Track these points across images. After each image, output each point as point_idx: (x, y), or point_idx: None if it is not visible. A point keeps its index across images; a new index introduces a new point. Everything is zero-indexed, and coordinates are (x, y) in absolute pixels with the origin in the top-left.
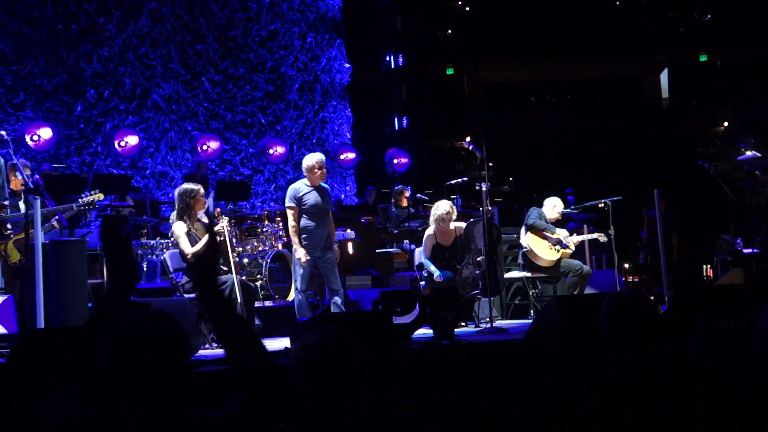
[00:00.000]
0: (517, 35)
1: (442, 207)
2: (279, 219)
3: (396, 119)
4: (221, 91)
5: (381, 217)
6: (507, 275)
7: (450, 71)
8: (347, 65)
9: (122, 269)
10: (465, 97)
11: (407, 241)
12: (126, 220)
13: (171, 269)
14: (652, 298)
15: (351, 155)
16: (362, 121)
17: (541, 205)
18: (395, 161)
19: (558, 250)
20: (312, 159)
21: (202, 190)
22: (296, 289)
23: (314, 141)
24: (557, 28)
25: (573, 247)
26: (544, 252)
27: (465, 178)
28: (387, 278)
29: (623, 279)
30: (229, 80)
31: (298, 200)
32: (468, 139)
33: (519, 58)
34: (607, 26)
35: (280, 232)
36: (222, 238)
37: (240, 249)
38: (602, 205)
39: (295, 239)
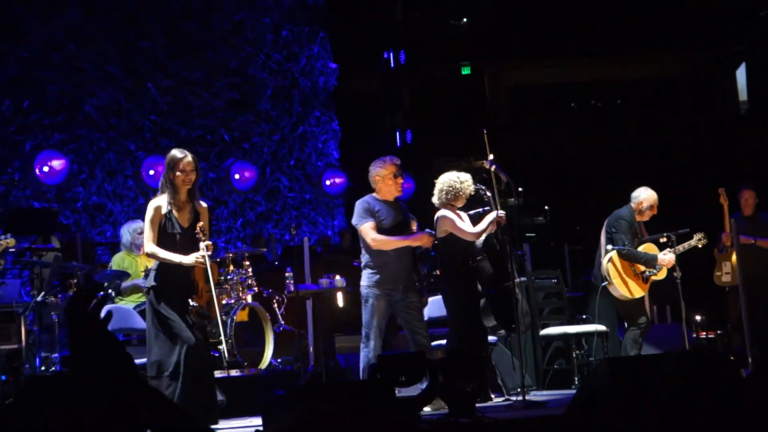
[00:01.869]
0: (551, 26)
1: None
2: (248, 263)
3: (397, 133)
4: (172, 101)
5: None
6: (544, 332)
7: (466, 71)
8: (333, 65)
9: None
10: (485, 105)
11: None
12: (98, 293)
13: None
14: (732, 358)
15: (339, 180)
16: (353, 137)
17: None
18: None
19: (647, 279)
20: (383, 165)
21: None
22: (365, 343)
23: (292, 162)
24: (603, 16)
25: (664, 271)
26: (631, 285)
27: (486, 208)
28: (388, 339)
29: (693, 335)
30: (183, 86)
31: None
32: (490, 157)
33: (554, 55)
34: (666, 13)
35: (250, 281)
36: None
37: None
38: (698, 240)
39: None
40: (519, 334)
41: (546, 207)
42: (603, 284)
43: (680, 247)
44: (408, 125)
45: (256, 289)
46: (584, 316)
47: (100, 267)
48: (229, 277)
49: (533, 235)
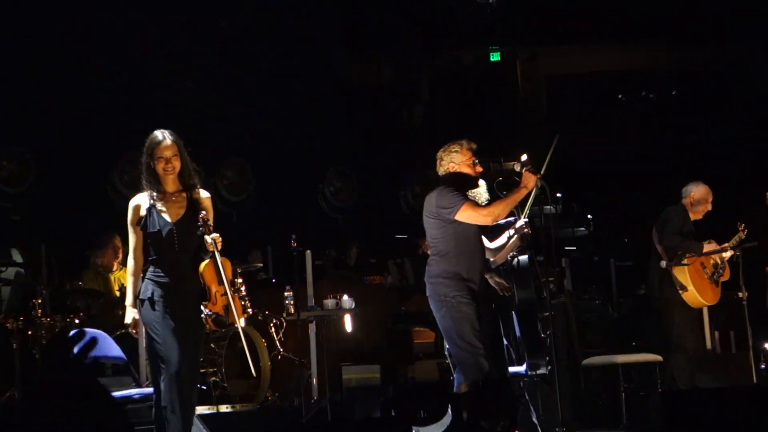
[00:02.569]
0: (596, 4)
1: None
2: (240, 281)
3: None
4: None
5: (394, 274)
6: (586, 361)
7: (495, 57)
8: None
9: None
10: (518, 96)
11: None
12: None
13: None
14: None
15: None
16: (362, 134)
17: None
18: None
19: (718, 281)
20: (460, 149)
21: None
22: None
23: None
24: None
25: (727, 271)
26: (705, 291)
27: (510, 219)
28: (404, 369)
29: (762, 365)
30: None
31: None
32: (524, 157)
33: (600, 38)
34: None
35: (243, 302)
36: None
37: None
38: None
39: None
40: (555, 367)
41: (589, 216)
42: (681, 292)
43: (731, 243)
44: (426, 121)
45: (250, 311)
46: (633, 343)
47: (70, 285)
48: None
49: (574, 248)
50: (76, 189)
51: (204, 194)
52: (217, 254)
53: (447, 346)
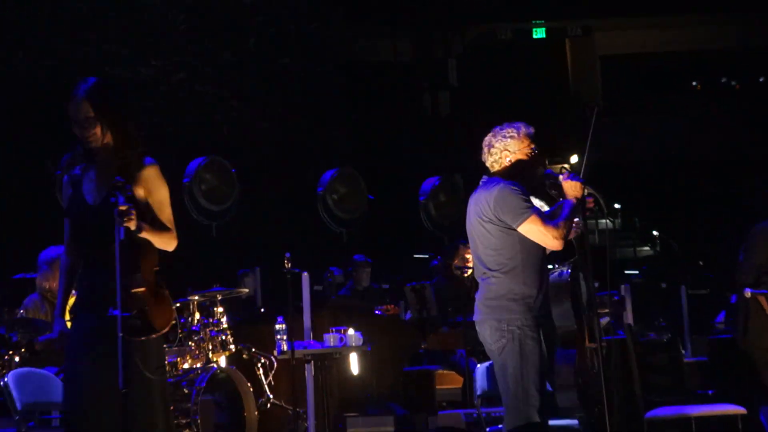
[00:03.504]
0: None
1: None
2: (221, 311)
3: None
4: None
5: (412, 303)
6: (652, 414)
7: (539, 34)
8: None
9: None
10: (568, 81)
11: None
12: None
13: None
14: None
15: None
16: (374, 125)
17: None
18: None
19: None
20: (516, 134)
21: None
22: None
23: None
24: None
25: None
26: None
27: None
28: (424, 420)
29: None
30: None
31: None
32: (573, 159)
33: (667, 11)
34: None
35: (224, 336)
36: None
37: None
38: None
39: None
40: (608, 419)
41: (655, 232)
42: None
43: None
44: (454, 110)
45: (233, 347)
46: (711, 392)
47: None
48: (193, 329)
49: (636, 272)
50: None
51: (145, 164)
52: (121, 235)
53: (478, 393)
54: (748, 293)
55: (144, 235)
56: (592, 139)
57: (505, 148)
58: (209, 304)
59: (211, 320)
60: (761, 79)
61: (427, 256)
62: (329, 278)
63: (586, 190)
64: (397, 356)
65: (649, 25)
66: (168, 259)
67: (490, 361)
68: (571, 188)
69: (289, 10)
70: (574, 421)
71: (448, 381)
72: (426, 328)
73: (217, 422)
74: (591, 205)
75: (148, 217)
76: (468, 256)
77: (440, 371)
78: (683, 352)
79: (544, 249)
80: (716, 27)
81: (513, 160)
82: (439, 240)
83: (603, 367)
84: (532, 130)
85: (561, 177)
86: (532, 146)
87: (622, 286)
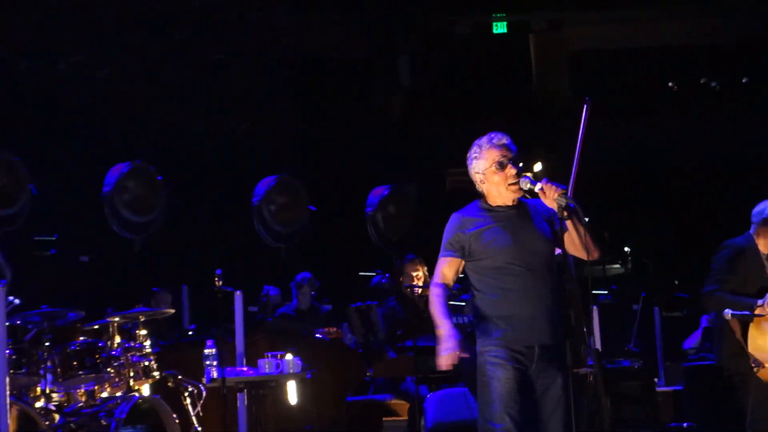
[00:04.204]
0: None
1: None
2: (144, 333)
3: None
4: None
5: (356, 326)
6: None
7: (500, 29)
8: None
9: None
10: (531, 80)
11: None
12: None
13: None
14: None
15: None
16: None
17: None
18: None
19: None
20: (479, 151)
21: None
22: None
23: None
24: None
25: None
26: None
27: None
28: None
29: None
30: None
31: (465, 243)
32: (537, 167)
33: (642, 3)
34: None
35: (146, 362)
36: None
37: (61, 396)
38: None
39: (442, 324)
40: None
41: (627, 248)
42: (756, 367)
43: None
44: (409, 110)
45: (156, 374)
46: (686, 424)
47: None
48: (113, 354)
49: (605, 293)
50: None
51: None
52: None
53: (429, 425)
54: (728, 315)
55: None
56: (581, 140)
57: (475, 172)
58: (131, 326)
59: (133, 344)
60: (745, 80)
61: (374, 274)
62: (265, 298)
63: (565, 200)
64: (340, 384)
65: (622, 20)
66: (86, 275)
67: (444, 390)
68: (550, 195)
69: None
70: None
71: (397, 411)
72: (372, 353)
73: None
74: (566, 214)
75: None
76: (414, 273)
77: (388, 401)
78: (656, 380)
79: (521, 273)
80: (696, 21)
81: (486, 181)
82: (388, 256)
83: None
84: (497, 139)
85: (539, 184)
86: (502, 158)
87: (591, 308)
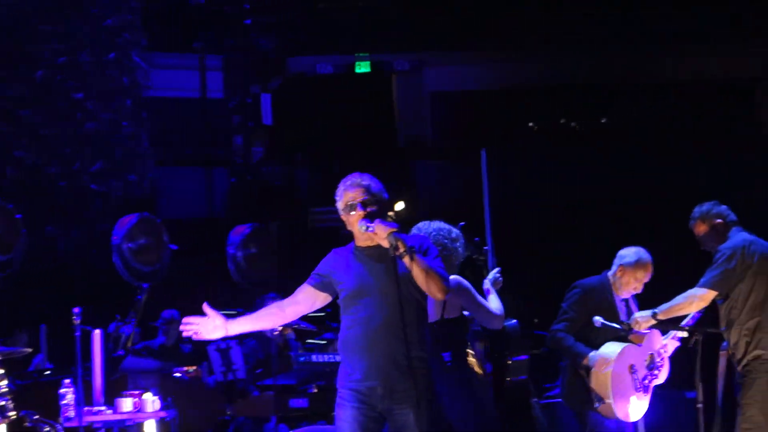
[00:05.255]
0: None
1: None
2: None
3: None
4: None
5: (216, 364)
6: None
7: (363, 68)
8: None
9: None
10: (393, 120)
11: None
12: None
13: None
14: None
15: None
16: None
17: None
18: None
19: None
20: (338, 192)
21: None
22: None
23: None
24: None
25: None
26: (633, 402)
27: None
28: None
29: None
30: None
31: (326, 277)
32: (398, 206)
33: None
34: None
35: (3, 402)
36: None
37: None
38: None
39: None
40: None
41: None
42: (597, 403)
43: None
44: (268, 151)
45: (12, 414)
46: None
47: None
48: None
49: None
50: None
51: None
52: None
53: None
54: (599, 322)
55: None
56: (486, 186)
57: (341, 216)
58: None
59: None
60: (603, 120)
61: (234, 312)
62: (124, 337)
63: (394, 239)
64: (201, 424)
65: (482, 61)
66: None
67: (304, 428)
68: (381, 235)
69: (87, 37)
70: None
71: None
72: (232, 392)
73: None
74: (399, 251)
75: None
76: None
77: None
78: None
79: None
80: (553, 63)
81: (346, 221)
82: (249, 295)
83: None
84: (351, 181)
85: (372, 225)
86: (352, 200)
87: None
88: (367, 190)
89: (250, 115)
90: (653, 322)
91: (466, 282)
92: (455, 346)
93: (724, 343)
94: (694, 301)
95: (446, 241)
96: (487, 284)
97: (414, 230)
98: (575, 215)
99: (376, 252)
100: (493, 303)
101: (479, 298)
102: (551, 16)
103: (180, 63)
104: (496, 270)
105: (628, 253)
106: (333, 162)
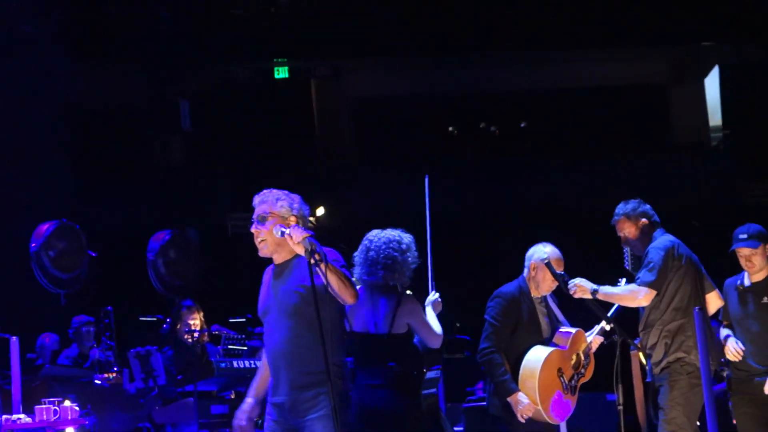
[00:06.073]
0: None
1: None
2: None
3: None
4: None
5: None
6: None
7: (282, 74)
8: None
9: None
10: (314, 128)
11: None
12: None
13: None
14: None
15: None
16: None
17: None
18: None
19: (575, 388)
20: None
21: None
22: None
23: None
24: None
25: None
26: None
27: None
28: None
29: None
30: None
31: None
32: (318, 212)
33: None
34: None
35: None
36: None
37: None
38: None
39: None
40: None
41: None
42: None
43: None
44: (189, 154)
45: None
46: None
47: None
48: None
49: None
50: None
51: None
52: None
53: None
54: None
55: None
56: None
57: (254, 230)
58: None
59: None
60: (523, 125)
61: (154, 319)
62: (43, 344)
63: (309, 244)
64: (120, 431)
65: (404, 67)
66: None
67: None
68: (295, 239)
69: (2, 41)
70: None
71: None
72: (153, 398)
73: None
74: (315, 258)
75: None
76: (191, 321)
77: None
78: None
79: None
80: (472, 70)
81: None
82: (170, 301)
83: None
84: (256, 198)
85: (287, 230)
86: (262, 213)
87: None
88: (280, 201)
89: (169, 122)
90: (589, 296)
91: (417, 302)
92: (402, 359)
93: (631, 347)
94: (636, 297)
95: (396, 253)
96: (428, 304)
97: (365, 240)
98: (497, 220)
99: (280, 269)
100: (434, 322)
101: (426, 316)
102: (469, 23)
103: (99, 70)
104: (436, 294)
105: (536, 250)
106: (253, 167)
